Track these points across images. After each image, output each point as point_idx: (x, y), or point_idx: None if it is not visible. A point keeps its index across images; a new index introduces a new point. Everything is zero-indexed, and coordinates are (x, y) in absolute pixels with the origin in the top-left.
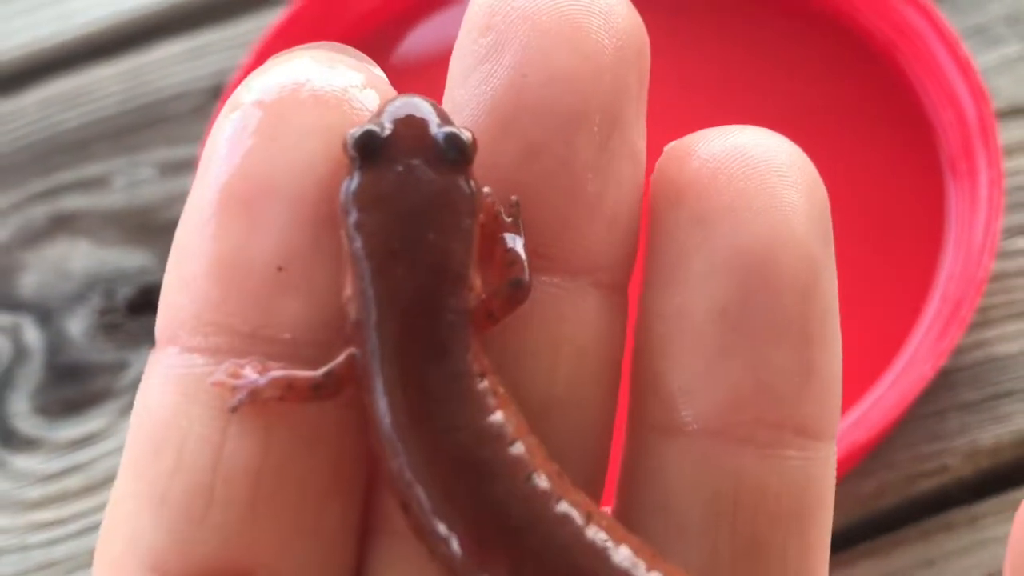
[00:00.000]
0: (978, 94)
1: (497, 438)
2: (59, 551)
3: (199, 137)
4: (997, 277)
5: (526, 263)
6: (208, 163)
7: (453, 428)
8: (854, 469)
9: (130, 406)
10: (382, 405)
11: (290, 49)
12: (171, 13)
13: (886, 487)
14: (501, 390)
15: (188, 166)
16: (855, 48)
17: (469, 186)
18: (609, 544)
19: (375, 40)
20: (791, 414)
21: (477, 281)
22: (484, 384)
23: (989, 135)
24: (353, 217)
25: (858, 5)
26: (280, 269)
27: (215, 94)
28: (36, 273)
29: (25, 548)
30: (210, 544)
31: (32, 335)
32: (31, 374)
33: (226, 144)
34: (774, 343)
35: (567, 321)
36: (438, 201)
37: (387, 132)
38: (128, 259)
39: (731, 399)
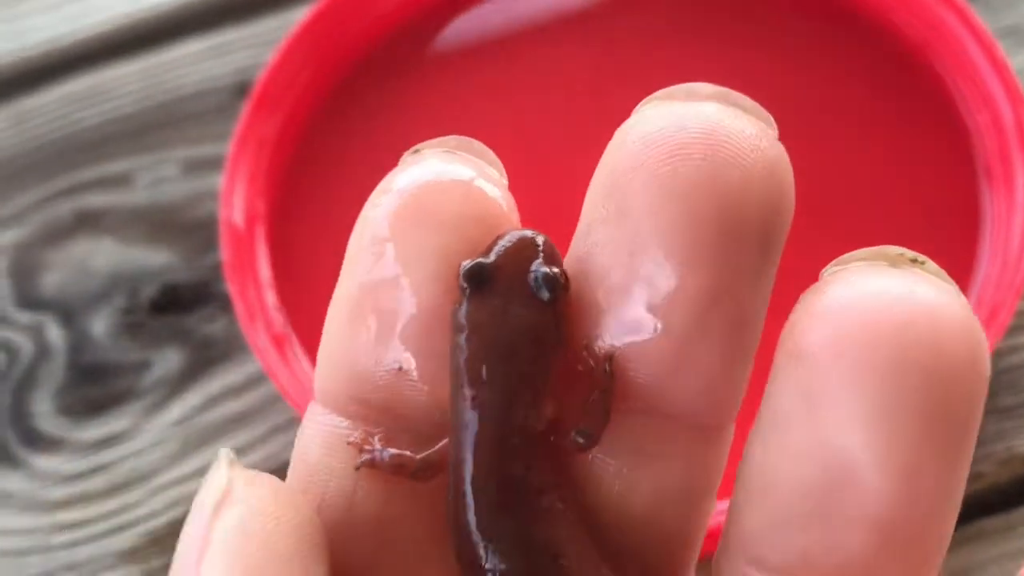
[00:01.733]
0: (1015, 97)
1: (542, 550)
2: (83, 552)
3: (222, 136)
4: None
5: (599, 419)
6: (352, 254)
7: (506, 533)
8: None
9: (153, 407)
10: (455, 499)
11: (421, 145)
12: (190, 11)
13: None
14: (560, 506)
15: (211, 164)
16: (890, 50)
17: (555, 323)
18: None
19: (406, 34)
20: None
21: (549, 409)
22: (545, 497)
23: None
24: (457, 338)
25: (893, 6)
26: (400, 369)
27: (237, 92)
28: (59, 272)
29: (49, 549)
30: None
31: (55, 334)
32: (54, 373)
33: (367, 242)
34: (851, 533)
35: (650, 457)
36: (524, 334)
37: (493, 266)
38: (151, 258)
39: (802, 561)
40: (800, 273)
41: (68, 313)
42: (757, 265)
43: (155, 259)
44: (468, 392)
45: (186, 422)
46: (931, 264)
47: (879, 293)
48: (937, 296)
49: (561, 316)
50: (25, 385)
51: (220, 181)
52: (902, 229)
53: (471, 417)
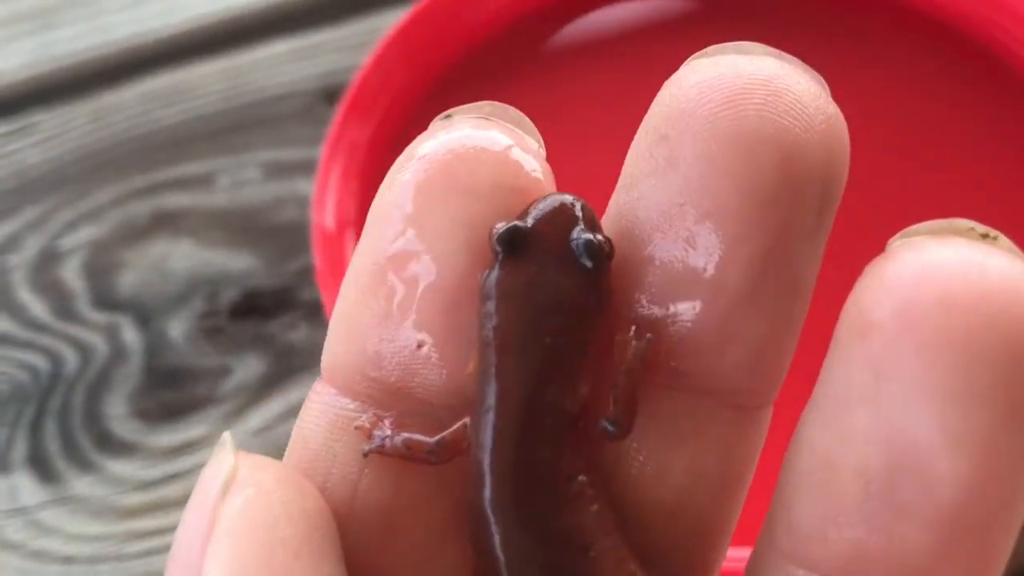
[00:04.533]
0: None
1: (569, 540)
2: (158, 562)
3: (306, 140)
4: None
5: (628, 407)
6: (373, 223)
7: (531, 521)
8: None
9: (231, 414)
10: (475, 482)
11: (453, 110)
12: (275, 13)
13: None
14: (591, 491)
15: (295, 168)
16: (989, 66)
17: (597, 293)
18: None
19: (500, 39)
20: None
21: (585, 388)
22: (574, 483)
23: None
24: (486, 306)
25: (1001, 24)
26: (420, 346)
27: (323, 96)
28: (136, 271)
29: (122, 557)
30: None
31: (131, 335)
32: (129, 376)
33: (390, 211)
34: (914, 525)
35: (685, 438)
36: (563, 305)
37: (530, 230)
38: (232, 261)
39: (857, 558)
40: None
41: (144, 315)
42: (813, 225)
43: (235, 263)
44: (496, 364)
45: (266, 431)
46: (1004, 239)
47: (953, 263)
48: (1013, 269)
49: (604, 287)
50: (99, 386)
51: (302, 185)
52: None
53: (498, 392)
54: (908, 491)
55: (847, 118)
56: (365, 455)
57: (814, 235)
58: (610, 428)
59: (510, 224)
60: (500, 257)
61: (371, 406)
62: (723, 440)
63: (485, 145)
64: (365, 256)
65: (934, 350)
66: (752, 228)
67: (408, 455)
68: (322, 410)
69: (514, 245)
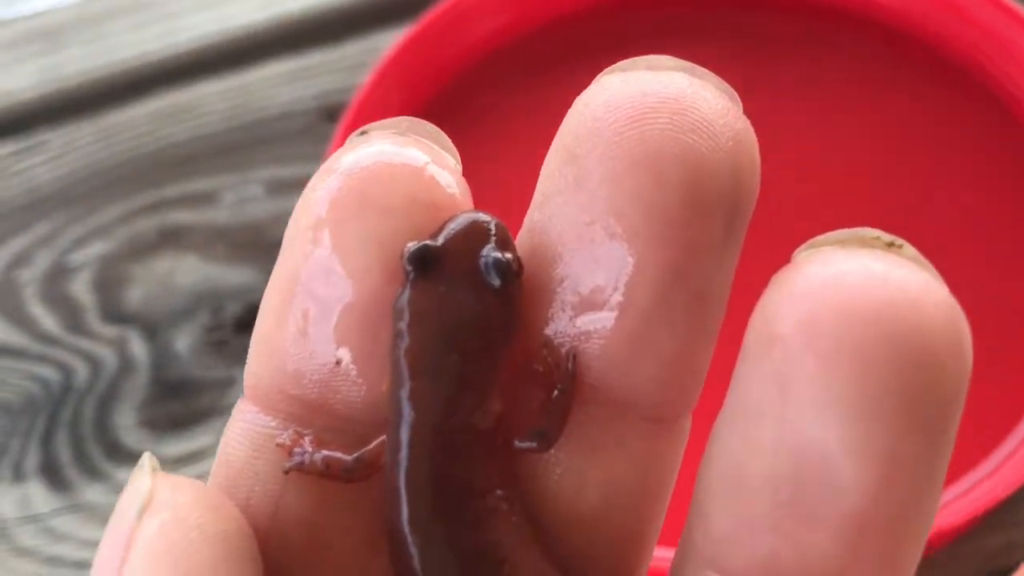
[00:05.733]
0: None
1: (484, 555)
2: None
3: (307, 157)
4: None
5: (558, 421)
6: (290, 240)
7: (447, 537)
8: (980, 525)
9: None
10: (391, 501)
11: (369, 126)
12: (276, 34)
13: (1015, 543)
14: (505, 507)
15: (296, 185)
16: (981, 96)
17: (506, 311)
18: None
19: (499, 57)
20: None
21: (497, 405)
22: (490, 498)
23: None
24: (397, 326)
25: (989, 54)
26: (338, 363)
27: (323, 115)
28: (143, 286)
29: None
30: None
31: (138, 348)
32: (137, 388)
33: (305, 227)
34: (822, 532)
35: (601, 450)
36: (471, 324)
37: (441, 249)
38: (236, 276)
39: (770, 563)
40: None
41: (151, 328)
42: (722, 240)
43: (240, 277)
44: (408, 385)
45: None
46: (909, 248)
47: (856, 273)
48: (916, 278)
49: (512, 305)
50: (109, 398)
51: None
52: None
53: (410, 412)
54: (815, 499)
55: (798, 127)
56: (285, 472)
57: (723, 250)
58: (534, 443)
59: (420, 244)
60: (411, 277)
61: (292, 423)
62: (640, 451)
63: (401, 161)
64: (282, 273)
65: (835, 361)
66: (659, 246)
67: (326, 473)
68: (244, 428)
69: (425, 264)
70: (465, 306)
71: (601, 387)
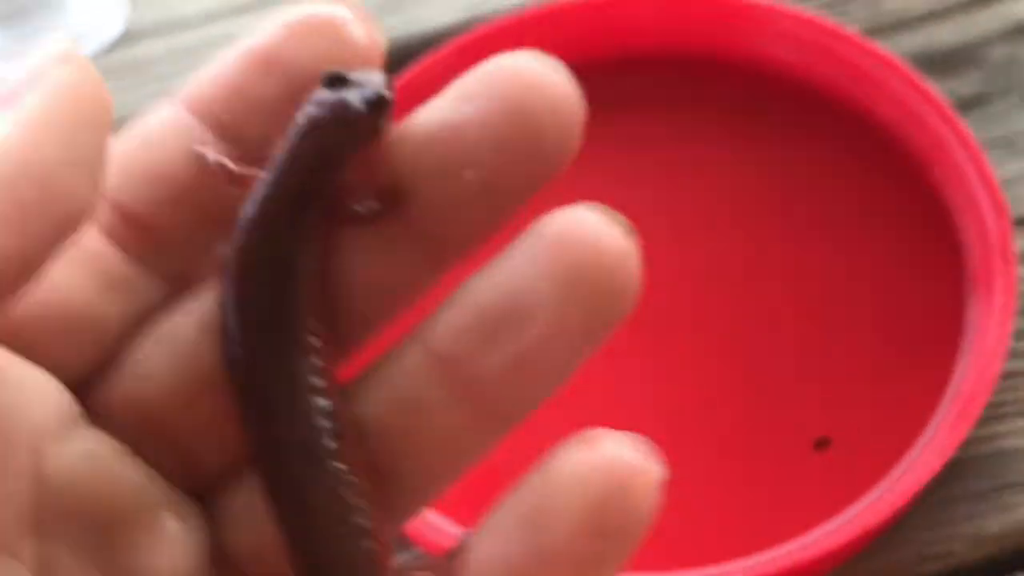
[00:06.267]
0: (999, 208)
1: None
2: None
3: None
4: (1008, 375)
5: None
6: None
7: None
8: (865, 550)
9: None
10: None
11: None
12: None
13: (895, 568)
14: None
15: None
16: (887, 156)
17: (362, 132)
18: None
19: None
20: None
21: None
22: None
23: (1007, 246)
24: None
25: (894, 116)
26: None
27: None
28: None
29: None
30: None
31: None
32: None
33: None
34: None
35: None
36: (337, 122)
37: (346, 78)
38: None
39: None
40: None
41: None
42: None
43: None
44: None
45: None
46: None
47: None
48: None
49: (371, 136)
50: None
51: None
52: (888, 322)
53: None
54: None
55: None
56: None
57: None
58: (362, 209)
59: (337, 70)
60: (319, 87)
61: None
62: None
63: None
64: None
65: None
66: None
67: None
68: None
69: (331, 83)
70: (339, 109)
71: None
